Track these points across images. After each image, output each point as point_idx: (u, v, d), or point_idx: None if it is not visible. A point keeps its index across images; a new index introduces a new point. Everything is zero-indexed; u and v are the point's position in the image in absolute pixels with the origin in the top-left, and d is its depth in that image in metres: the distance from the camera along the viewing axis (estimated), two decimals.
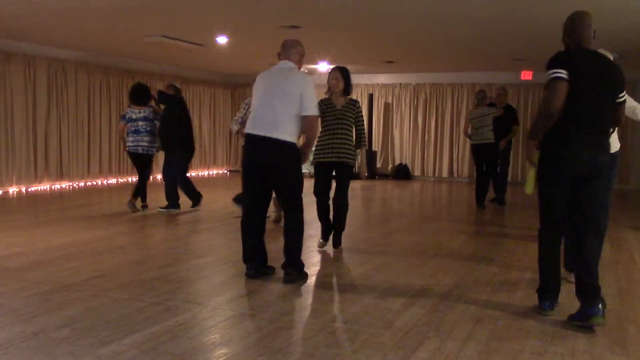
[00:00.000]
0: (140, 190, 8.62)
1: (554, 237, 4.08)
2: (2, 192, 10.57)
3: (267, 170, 4.81)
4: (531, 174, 4.10)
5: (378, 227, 8.13)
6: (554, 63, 3.87)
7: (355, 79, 15.40)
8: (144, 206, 8.73)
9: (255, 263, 5.01)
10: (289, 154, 4.80)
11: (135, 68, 13.38)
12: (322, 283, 5.00)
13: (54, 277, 4.92)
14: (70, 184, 11.97)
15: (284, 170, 4.82)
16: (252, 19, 8.39)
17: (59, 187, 11.68)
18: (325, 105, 5.92)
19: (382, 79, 15.64)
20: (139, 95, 8.55)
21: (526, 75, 13.95)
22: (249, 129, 4.84)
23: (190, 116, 8.96)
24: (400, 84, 15.50)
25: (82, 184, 12.16)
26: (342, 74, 5.93)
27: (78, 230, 7.15)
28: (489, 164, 9.86)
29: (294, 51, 4.99)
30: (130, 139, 8.46)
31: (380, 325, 3.87)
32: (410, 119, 15.46)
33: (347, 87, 5.97)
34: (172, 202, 8.57)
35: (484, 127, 9.68)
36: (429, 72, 14.93)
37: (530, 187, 4.16)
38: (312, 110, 4.82)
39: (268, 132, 4.71)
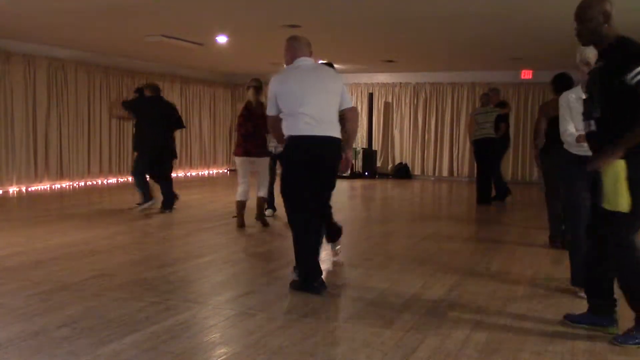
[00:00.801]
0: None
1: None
2: (2, 192, 10.57)
3: (326, 171, 4.68)
4: (623, 186, 3.38)
5: (378, 226, 8.13)
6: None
7: (355, 78, 15.67)
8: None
9: (320, 277, 4.68)
10: (340, 152, 4.81)
11: (135, 68, 13.38)
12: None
13: (54, 276, 4.92)
14: (70, 183, 11.97)
15: (336, 170, 4.77)
16: (251, 19, 8.39)
17: (59, 186, 11.68)
18: None
19: (382, 78, 15.64)
20: None
21: (526, 75, 13.96)
22: (305, 130, 4.54)
23: (160, 118, 8.59)
24: (400, 83, 15.50)
25: (82, 183, 12.16)
26: None
27: (78, 229, 7.15)
28: (489, 159, 9.92)
29: (309, 49, 4.83)
30: None
31: (380, 324, 3.87)
32: (411, 118, 15.46)
33: None
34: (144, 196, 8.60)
35: (486, 123, 9.80)
36: (429, 71, 14.93)
37: (626, 202, 3.40)
38: (351, 102, 4.86)
39: (329, 131, 4.58)
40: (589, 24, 3.55)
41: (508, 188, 10.52)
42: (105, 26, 9.16)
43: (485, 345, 3.55)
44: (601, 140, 3.55)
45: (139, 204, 8.52)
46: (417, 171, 15.43)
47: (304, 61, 4.74)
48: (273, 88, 4.69)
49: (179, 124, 8.92)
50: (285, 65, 4.87)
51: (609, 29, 3.54)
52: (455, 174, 15.12)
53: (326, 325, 3.86)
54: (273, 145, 7.27)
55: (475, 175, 10.44)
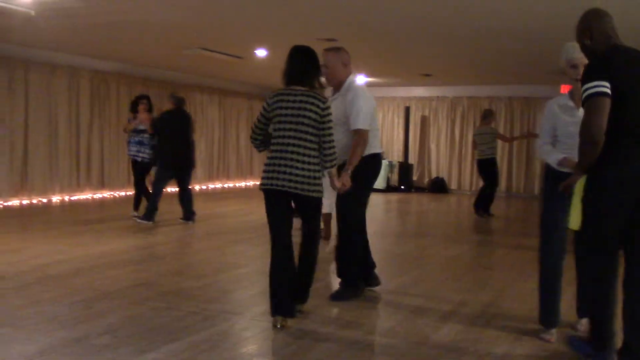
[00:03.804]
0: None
1: (611, 272, 3.32)
2: (46, 201, 10.83)
3: None
4: (576, 204, 3.41)
5: (413, 240, 8.08)
6: (590, 73, 3.19)
7: (391, 91, 15.69)
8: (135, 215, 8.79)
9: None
10: None
11: (174, 80, 13.60)
12: (358, 298, 4.97)
13: (96, 284, 5.03)
14: (111, 193, 12.19)
15: None
16: (289, 32, 8.47)
17: (100, 196, 11.90)
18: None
19: (419, 92, 15.60)
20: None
21: (565, 89, 13.70)
22: (380, 147, 4.95)
23: (185, 130, 8.76)
24: (437, 97, 15.44)
25: (122, 193, 12.37)
26: None
27: (118, 238, 7.28)
28: (487, 178, 10.43)
29: None
30: None
31: (416, 339, 3.86)
32: (447, 132, 15.38)
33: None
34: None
35: (483, 145, 10.28)
36: (466, 85, 14.85)
37: (577, 221, 3.42)
38: None
39: None
40: (601, 38, 3.34)
41: None
42: (146, 39, 9.36)
43: None
44: None
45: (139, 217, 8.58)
46: (453, 185, 15.32)
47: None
48: (372, 102, 4.80)
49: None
50: (328, 82, 4.86)
51: (595, 44, 3.35)
52: None
53: (363, 338, 3.86)
54: None
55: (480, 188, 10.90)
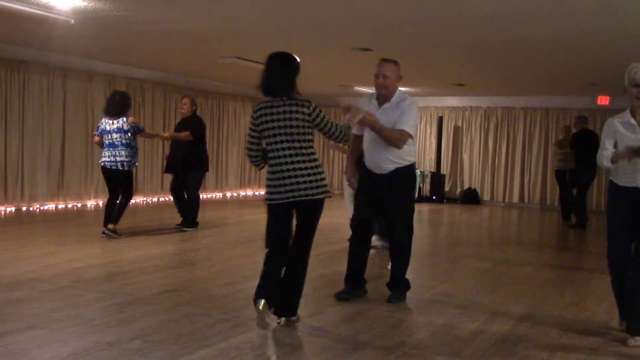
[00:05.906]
0: (116, 211, 7.73)
1: None
2: (81, 205, 11.01)
3: None
4: None
5: (445, 252, 8.00)
6: None
7: (424, 101, 15.60)
8: (111, 231, 7.67)
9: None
10: None
11: (208, 88, 13.74)
12: (390, 307, 4.94)
13: (128, 289, 5.08)
14: (144, 199, 12.33)
15: None
16: (324, 42, 8.49)
17: (133, 202, 12.02)
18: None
19: (452, 101, 15.49)
20: (112, 106, 7.73)
21: (602, 101, 13.52)
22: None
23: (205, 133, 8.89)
24: (471, 107, 15.30)
25: (154, 199, 12.51)
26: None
27: (151, 244, 7.35)
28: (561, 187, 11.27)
29: None
30: (107, 153, 7.60)
31: (448, 351, 3.81)
32: (481, 143, 15.22)
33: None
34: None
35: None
36: (500, 95, 14.69)
37: None
38: None
39: None
40: None
41: (587, 217, 10.35)
42: (182, 48, 9.47)
43: None
44: None
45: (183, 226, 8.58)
46: (486, 196, 15.14)
47: None
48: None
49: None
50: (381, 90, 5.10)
51: None
52: (526, 200, 14.74)
53: (394, 350, 3.82)
54: None
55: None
